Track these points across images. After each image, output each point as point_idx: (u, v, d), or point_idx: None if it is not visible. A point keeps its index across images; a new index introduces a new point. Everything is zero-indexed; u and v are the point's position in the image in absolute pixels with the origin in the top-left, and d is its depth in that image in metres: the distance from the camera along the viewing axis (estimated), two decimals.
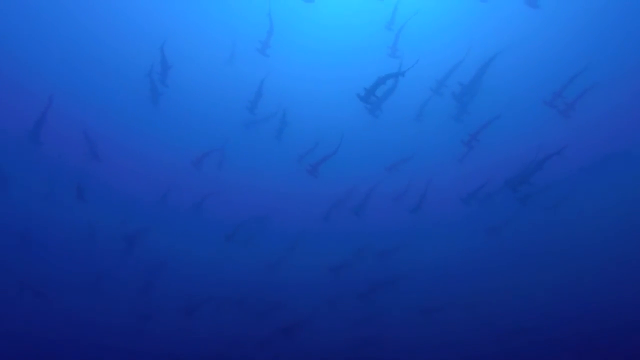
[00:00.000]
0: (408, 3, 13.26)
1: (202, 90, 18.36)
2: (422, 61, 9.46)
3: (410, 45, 12.61)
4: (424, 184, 14.30)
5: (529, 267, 18.41)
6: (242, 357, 17.57)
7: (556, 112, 11.72)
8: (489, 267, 18.63)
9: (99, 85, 18.24)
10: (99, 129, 16.09)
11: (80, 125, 14.60)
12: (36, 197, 17.03)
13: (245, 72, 16.19)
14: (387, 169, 15.08)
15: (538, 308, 18.26)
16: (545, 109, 11.81)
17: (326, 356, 17.59)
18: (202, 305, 16.24)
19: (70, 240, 17.12)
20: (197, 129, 18.64)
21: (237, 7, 16.78)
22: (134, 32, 17.62)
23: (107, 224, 16.30)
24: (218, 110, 18.37)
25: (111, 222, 16.48)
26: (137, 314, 17.10)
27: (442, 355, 18.09)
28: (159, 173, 18.39)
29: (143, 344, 17.54)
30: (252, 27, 13.95)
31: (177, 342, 17.85)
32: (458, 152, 13.74)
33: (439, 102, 13.20)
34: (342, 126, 13.29)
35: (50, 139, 13.28)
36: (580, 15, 14.74)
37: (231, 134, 16.86)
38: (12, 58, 17.16)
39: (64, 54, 17.50)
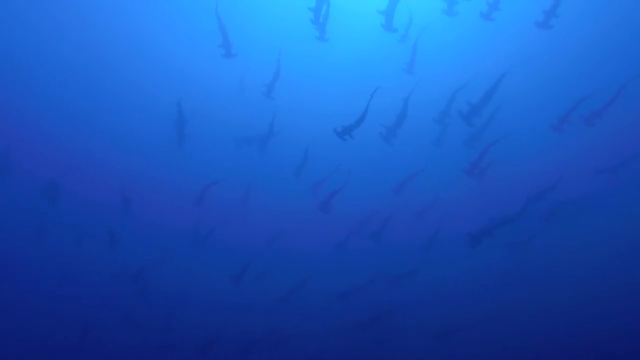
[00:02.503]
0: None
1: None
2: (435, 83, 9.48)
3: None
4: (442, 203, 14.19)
5: (550, 287, 18.03)
6: None
7: (569, 128, 11.66)
8: (508, 286, 18.30)
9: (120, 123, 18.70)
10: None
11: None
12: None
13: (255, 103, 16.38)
14: (394, 190, 15.03)
15: (558, 329, 17.76)
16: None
17: None
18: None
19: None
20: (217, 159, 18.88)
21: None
22: (149, 64, 18.18)
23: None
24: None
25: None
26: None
27: None
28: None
29: None
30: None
31: None
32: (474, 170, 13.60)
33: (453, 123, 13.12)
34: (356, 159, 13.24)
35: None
36: (591, 32, 14.84)
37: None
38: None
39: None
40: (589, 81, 13.08)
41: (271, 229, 18.76)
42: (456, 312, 17.97)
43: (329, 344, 17.52)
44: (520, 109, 15.84)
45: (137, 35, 17.66)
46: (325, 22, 10.58)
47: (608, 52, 15.24)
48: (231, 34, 11.41)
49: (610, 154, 15.42)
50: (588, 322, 17.44)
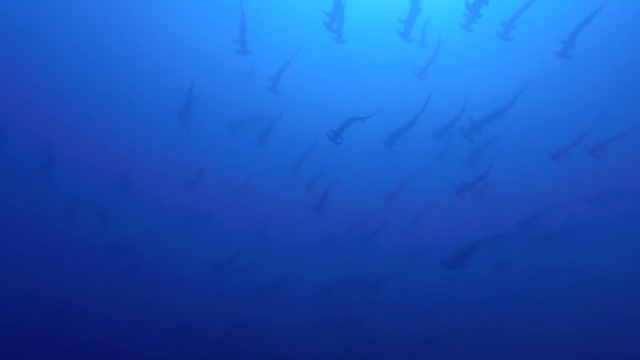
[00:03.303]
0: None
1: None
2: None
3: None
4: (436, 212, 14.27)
5: (531, 307, 18.32)
6: None
7: (571, 155, 11.76)
8: (489, 302, 18.53)
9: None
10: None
11: None
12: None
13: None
14: (386, 198, 15.12)
15: (536, 345, 18.08)
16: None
17: None
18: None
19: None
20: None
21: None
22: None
23: None
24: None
25: None
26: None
27: None
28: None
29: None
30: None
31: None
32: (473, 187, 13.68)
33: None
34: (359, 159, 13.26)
35: None
36: (605, 64, 14.95)
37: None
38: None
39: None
40: (595, 111, 13.16)
41: (264, 217, 18.85)
42: (432, 322, 18.12)
43: (305, 337, 17.57)
44: (524, 129, 15.95)
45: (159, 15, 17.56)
46: (342, 24, 10.58)
47: (621, 85, 15.40)
48: (251, 23, 11.31)
49: (604, 185, 15.77)
50: (563, 344, 17.82)
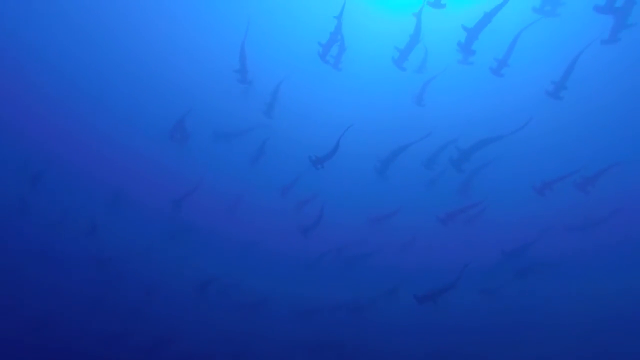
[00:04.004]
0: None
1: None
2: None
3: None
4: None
5: (515, 333, 18.47)
6: None
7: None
8: (475, 327, 18.63)
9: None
10: None
11: None
12: None
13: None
14: (370, 220, 15.16)
15: None
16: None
17: None
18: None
19: None
20: None
21: None
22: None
23: None
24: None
25: None
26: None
27: None
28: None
29: None
30: None
31: None
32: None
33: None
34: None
35: None
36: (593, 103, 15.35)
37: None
38: None
39: None
40: (585, 148, 13.48)
41: (253, 232, 18.75)
42: (414, 346, 18.19)
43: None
44: (512, 161, 16.21)
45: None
46: (342, 53, 10.67)
47: (610, 123, 15.81)
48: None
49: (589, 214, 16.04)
50: None
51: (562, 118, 16.34)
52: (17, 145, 17.41)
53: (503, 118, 12.33)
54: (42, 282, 16.74)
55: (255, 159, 13.26)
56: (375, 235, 15.48)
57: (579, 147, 16.33)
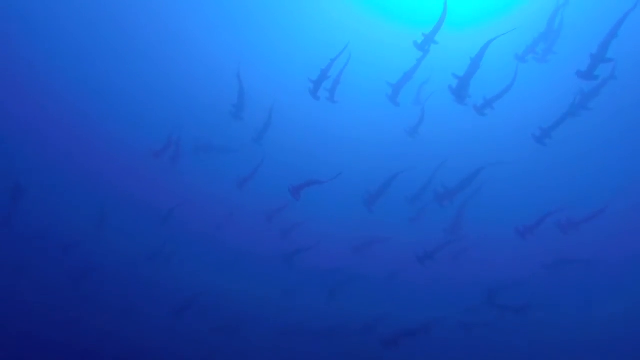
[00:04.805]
0: None
1: None
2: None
3: None
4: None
5: None
6: None
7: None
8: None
9: None
10: None
11: None
12: None
13: None
14: (354, 248, 15.09)
15: None
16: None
17: None
18: None
19: None
20: None
21: None
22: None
23: None
24: None
25: None
26: None
27: None
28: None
29: None
30: None
31: None
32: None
33: None
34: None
35: None
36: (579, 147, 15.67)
37: None
38: None
39: None
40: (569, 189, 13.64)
41: (235, 252, 18.52)
42: None
43: None
44: (499, 197, 16.39)
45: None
46: (336, 86, 10.71)
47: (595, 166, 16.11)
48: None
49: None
50: None
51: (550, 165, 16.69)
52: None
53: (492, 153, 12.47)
54: (14, 297, 16.21)
55: (242, 183, 13.14)
56: (360, 264, 15.38)
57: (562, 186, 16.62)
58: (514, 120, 15.40)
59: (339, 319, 16.26)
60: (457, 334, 15.94)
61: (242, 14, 18.01)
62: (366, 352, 16.50)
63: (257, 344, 17.43)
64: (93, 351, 15.68)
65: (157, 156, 12.66)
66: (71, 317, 15.75)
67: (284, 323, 16.83)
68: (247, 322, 17.00)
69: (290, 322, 16.71)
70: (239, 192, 12.94)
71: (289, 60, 18.96)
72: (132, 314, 16.43)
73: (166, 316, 15.08)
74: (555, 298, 17.12)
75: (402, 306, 16.14)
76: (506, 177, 15.53)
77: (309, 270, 16.00)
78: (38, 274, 16.40)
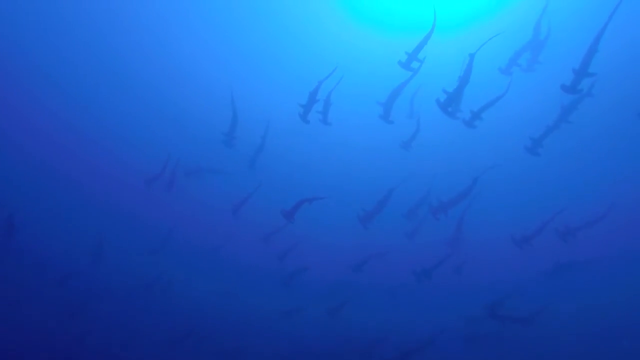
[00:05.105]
0: None
1: None
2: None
3: None
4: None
5: None
6: None
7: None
8: None
9: None
10: None
11: None
12: None
13: None
14: (353, 268, 15.01)
15: None
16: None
17: None
18: None
19: None
20: None
21: None
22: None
23: None
24: None
25: None
26: None
27: None
28: None
29: None
30: None
31: None
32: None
33: None
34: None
35: None
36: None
37: None
38: None
39: None
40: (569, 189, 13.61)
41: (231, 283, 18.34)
42: None
43: None
44: (496, 200, 16.39)
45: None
46: (328, 108, 10.74)
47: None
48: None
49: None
50: None
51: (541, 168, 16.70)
52: None
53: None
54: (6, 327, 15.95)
55: (237, 208, 13.10)
56: (359, 281, 15.25)
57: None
58: (509, 122, 15.47)
59: (340, 339, 16.07)
60: (461, 347, 15.85)
61: (235, 28, 18.16)
62: None
63: None
64: None
65: (150, 184, 12.69)
66: (70, 350, 15.47)
67: (286, 346, 16.58)
68: (247, 347, 16.77)
69: (293, 346, 16.47)
70: (233, 217, 12.89)
71: (281, 74, 19.02)
72: (132, 343, 16.17)
73: (166, 344, 14.81)
74: (556, 304, 17.00)
75: (403, 322, 15.90)
76: (505, 179, 15.54)
77: (307, 290, 15.86)
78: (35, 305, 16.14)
